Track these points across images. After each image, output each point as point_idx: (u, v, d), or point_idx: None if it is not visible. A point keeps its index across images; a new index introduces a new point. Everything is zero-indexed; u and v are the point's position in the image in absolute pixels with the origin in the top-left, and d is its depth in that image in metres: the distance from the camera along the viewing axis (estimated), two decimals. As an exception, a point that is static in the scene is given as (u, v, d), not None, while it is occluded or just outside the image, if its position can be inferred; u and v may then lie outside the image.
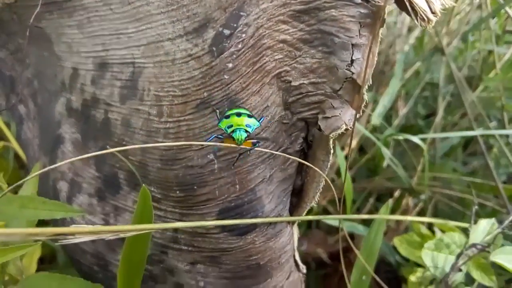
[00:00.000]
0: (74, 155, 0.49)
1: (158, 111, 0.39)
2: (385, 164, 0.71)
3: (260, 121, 0.32)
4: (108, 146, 0.44)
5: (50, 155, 0.54)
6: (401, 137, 0.56)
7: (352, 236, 0.69)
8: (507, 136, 0.69)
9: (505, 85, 0.69)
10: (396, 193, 0.69)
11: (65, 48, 0.53)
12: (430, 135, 0.62)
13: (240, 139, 0.30)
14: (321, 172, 0.34)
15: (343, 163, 0.48)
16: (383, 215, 0.45)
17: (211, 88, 0.34)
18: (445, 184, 0.70)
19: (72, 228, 0.23)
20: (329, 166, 0.35)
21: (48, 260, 0.60)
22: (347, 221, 0.56)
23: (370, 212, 0.69)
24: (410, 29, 0.91)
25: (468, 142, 0.84)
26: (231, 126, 0.31)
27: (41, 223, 0.41)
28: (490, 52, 0.83)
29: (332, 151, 0.34)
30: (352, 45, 0.32)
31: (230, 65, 0.34)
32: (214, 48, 0.34)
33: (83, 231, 0.23)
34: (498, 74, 0.71)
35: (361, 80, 0.32)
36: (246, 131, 0.30)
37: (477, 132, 0.56)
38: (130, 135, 0.41)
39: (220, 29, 0.34)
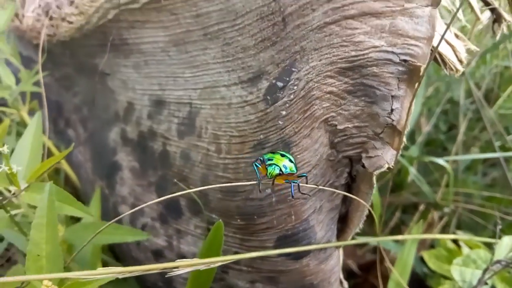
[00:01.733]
0: (134, 182, 0.55)
1: (217, 148, 0.44)
2: (410, 179, 0.76)
3: (298, 172, 0.37)
4: (168, 177, 0.50)
5: (108, 179, 0.60)
6: (426, 159, 0.61)
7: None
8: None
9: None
10: (421, 207, 0.73)
11: (120, 83, 0.59)
12: (452, 158, 0.67)
13: (271, 173, 0.35)
14: (365, 203, 0.39)
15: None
16: (415, 235, 0.50)
17: (267, 131, 0.40)
18: (467, 198, 0.74)
19: (177, 263, 0.29)
20: (371, 198, 0.40)
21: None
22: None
23: (397, 225, 0.74)
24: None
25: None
26: (271, 160, 0.36)
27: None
28: (507, 67, 0.87)
29: (374, 185, 0.39)
30: (392, 96, 0.37)
31: (284, 112, 0.39)
32: (268, 97, 0.40)
33: (186, 265, 0.29)
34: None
35: (400, 126, 0.37)
36: (280, 169, 0.35)
37: (498, 154, 0.60)
38: (190, 167, 0.47)
39: (274, 81, 0.39)
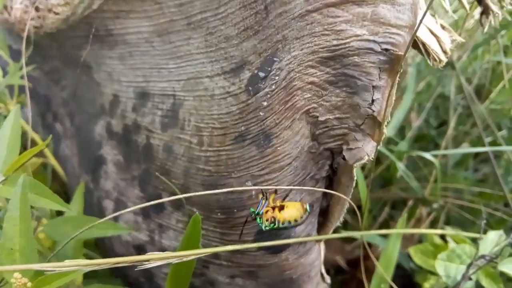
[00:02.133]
0: (118, 176, 0.54)
1: (199, 141, 0.44)
2: (399, 175, 0.75)
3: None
4: (151, 170, 0.49)
5: (92, 174, 0.60)
6: (414, 154, 0.60)
7: (369, 244, 0.73)
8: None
9: (513, 98, 0.73)
10: (410, 203, 0.73)
11: (105, 76, 0.59)
12: (441, 152, 0.66)
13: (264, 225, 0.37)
14: (345, 197, 0.39)
15: (362, 180, 0.52)
16: (400, 229, 0.50)
17: (248, 123, 0.39)
18: (456, 193, 0.74)
19: (148, 256, 0.28)
20: (352, 190, 0.39)
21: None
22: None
23: (385, 221, 0.74)
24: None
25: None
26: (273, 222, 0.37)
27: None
28: (499, 63, 0.86)
29: (355, 178, 0.38)
30: (373, 87, 0.36)
31: (265, 103, 0.38)
32: (250, 88, 0.39)
33: (157, 258, 0.28)
34: (505, 88, 0.75)
35: (381, 117, 0.36)
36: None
37: (487, 148, 0.60)
38: (172, 161, 0.46)
39: (256, 71, 0.39)
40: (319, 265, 0.42)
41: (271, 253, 0.39)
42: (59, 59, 0.74)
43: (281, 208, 0.37)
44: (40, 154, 0.74)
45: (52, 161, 0.73)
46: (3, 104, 0.74)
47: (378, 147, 0.37)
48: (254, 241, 0.39)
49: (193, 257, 0.31)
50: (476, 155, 0.89)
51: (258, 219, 0.37)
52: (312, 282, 0.41)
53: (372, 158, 0.37)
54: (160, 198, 0.48)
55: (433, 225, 0.70)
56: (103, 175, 0.56)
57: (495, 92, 0.79)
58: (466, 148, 0.72)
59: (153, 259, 0.29)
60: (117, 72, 0.56)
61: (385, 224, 0.74)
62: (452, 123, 0.78)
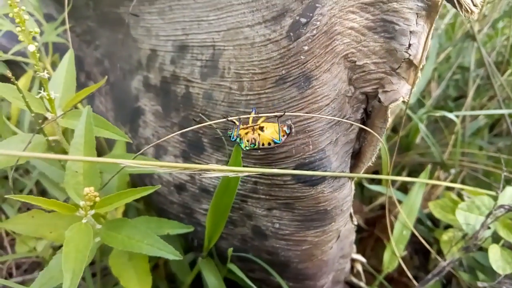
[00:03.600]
0: (157, 124, 0.57)
1: (239, 86, 0.46)
2: (417, 140, 0.78)
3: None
4: (190, 117, 0.52)
5: (131, 124, 0.63)
6: (437, 113, 0.63)
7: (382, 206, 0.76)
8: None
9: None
10: (428, 166, 0.76)
11: (143, 31, 0.61)
12: (464, 113, 0.69)
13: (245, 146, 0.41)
14: (378, 136, 0.41)
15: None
16: (423, 179, 0.53)
17: (289, 66, 0.42)
18: (472, 160, 0.77)
19: (210, 166, 0.32)
20: (385, 132, 0.42)
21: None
22: (385, 188, 0.64)
23: (403, 185, 0.77)
24: (441, 16, 0.96)
25: (494, 125, 0.90)
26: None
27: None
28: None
29: (389, 119, 0.41)
30: (410, 32, 0.39)
31: (306, 47, 0.41)
32: (291, 34, 0.42)
33: (217, 169, 0.32)
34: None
35: (416, 60, 0.39)
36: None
37: (505, 110, 0.62)
38: (212, 107, 0.49)
39: (297, 18, 0.41)
40: (350, 202, 0.45)
41: (308, 185, 0.42)
42: (94, 19, 0.77)
43: (261, 129, 0.41)
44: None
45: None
46: (40, 62, 0.77)
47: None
48: (293, 174, 0.42)
49: (244, 174, 0.34)
50: (491, 129, 0.92)
51: (239, 140, 0.41)
52: (343, 216, 0.45)
53: (407, 99, 0.40)
54: (200, 141, 0.51)
55: (449, 189, 0.73)
56: (141, 125, 0.60)
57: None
58: (488, 110, 0.74)
59: (213, 170, 0.32)
60: (156, 27, 0.59)
61: (403, 188, 0.77)
62: (470, 93, 0.80)
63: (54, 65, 0.79)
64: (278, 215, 0.45)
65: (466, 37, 0.83)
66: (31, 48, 0.39)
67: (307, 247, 0.45)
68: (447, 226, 0.67)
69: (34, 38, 0.75)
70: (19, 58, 0.73)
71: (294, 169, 0.42)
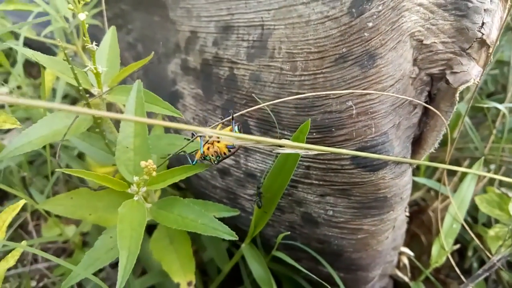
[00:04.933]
0: (197, 107, 0.55)
1: (292, 66, 0.44)
2: (455, 135, 0.75)
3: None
4: (235, 99, 0.50)
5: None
6: (485, 105, 0.60)
7: (423, 199, 0.74)
8: None
9: None
10: (466, 162, 0.73)
11: (183, 13, 0.59)
12: (510, 105, 0.66)
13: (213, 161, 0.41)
14: (444, 120, 0.39)
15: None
16: (476, 170, 0.50)
17: (350, 44, 0.40)
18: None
19: (283, 141, 0.30)
20: (451, 116, 0.40)
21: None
22: (425, 180, 0.62)
23: (438, 180, 0.74)
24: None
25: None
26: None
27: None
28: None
29: (456, 102, 0.39)
30: (484, 9, 0.37)
31: (370, 24, 0.39)
32: (353, 10, 0.40)
33: (289, 145, 0.30)
34: None
35: (490, 40, 0.37)
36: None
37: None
38: (260, 88, 0.47)
39: (361, -7, 0.39)
40: (409, 190, 0.42)
41: (368, 170, 0.40)
42: (127, 2, 0.75)
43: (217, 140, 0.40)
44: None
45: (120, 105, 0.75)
46: (73, 44, 0.76)
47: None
48: (352, 159, 0.40)
49: (316, 152, 0.32)
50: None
51: (206, 158, 0.40)
52: (402, 204, 0.42)
53: (477, 82, 0.38)
54: (247, 124, 0.49)
55: (491, 184, 0.70)
56: (180, 108, 0.58)
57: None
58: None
59: (286, 146, 0.30)
60: (197, 8, 0.57)
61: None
62: (510, 87, 0.78)
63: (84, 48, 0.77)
64: (332, 201, 0.43)
65: (506, 30, 0.80)
66: (82, 16, 0.37)
67: (363, 236, 0.42)
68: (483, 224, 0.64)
69: (67, 20, 0.74)
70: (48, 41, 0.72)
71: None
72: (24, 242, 0.36)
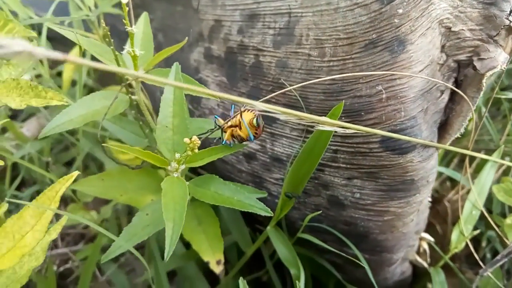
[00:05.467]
0: (222, 94, 0.56)
1: (320, 52, 0.46)
2: (470, 126, 0.76)
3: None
4: (261, 86, 0.52)
5: (191, 96, 0.62)
6: (503, 96, 0.62)
7: (436, 191, 0.75)
8: None
9: None
10: (482, 153, 0.74)
11: (207, 1, 0.61)
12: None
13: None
14: (471, 104, 0.40)
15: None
16: (496, 158, 0.52)
17: (381, 30, 0.41)
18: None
19: (322, 118, 0.31)
20: (477, 102, 0.41)
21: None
22: (444, 168, 0.63)
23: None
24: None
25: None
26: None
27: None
28: None
29: (483, 88, 0.40)
30: (513, -3, 0.38)
31: (400, 10, 0.40)
32: (383, -3, 0.41)
33: (328, 123, 0.31)
34: None
35: (518, 27, 0.38)
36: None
37: None
38: (287, 75, 0.49)
39: (391, -20, 0.40)
40: (435, 174, 0.44)
41: (397, 153, 0.41)
42: (147, -9, 0.76)
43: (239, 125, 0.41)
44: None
45: (139, 95, 0.76)
46: (92, 33, 0.77)
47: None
48: (380, 142, 0.41)
49: (353, 131, 0.33)
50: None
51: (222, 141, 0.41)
52: (428, 188, 0.44)
53: (504, 68, 0.39)
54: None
55: (504, 173, 0.71)
56: (204, 96, 0.59)
57: None
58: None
59: (323, 123, 0.31)
60: (222, -3, 0.58)
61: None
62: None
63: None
64: (359, 184, 0.44)
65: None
66: (124, 0, 0.38)
67: (389, 218, 0.44)
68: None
69: (89, 9, 0.75)
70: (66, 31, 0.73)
71: (382, 136, 0.41)
72: (65, 217, 0.37)
